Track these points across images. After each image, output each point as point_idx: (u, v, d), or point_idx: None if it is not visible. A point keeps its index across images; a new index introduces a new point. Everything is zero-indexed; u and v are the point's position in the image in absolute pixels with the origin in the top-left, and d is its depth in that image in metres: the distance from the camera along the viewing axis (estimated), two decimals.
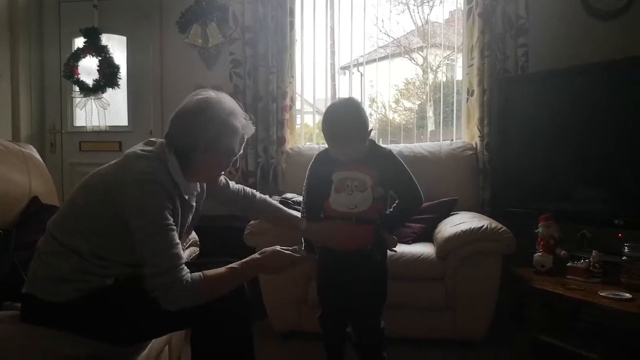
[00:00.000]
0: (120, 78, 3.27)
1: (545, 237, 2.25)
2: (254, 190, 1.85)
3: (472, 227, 2.14)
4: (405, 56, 4.05)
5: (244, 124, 1.48)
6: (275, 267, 1.48)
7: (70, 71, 3.25)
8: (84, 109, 3.37)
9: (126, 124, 3.42)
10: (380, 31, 3.85)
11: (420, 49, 4.07)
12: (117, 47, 3.34)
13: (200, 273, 1.31)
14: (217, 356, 1.42)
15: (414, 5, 3.85)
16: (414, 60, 4.19)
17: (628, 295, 1.86)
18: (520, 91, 2.61)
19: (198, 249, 2.08)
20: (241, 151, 1.52)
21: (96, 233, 1.33)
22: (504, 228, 2.13)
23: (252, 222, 2.29)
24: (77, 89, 3.32)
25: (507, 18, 2.75)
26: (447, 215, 2.50)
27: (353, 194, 1.70)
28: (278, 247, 1.49)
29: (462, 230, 2.14)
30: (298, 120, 3.27)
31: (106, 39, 3.27)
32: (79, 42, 3.29)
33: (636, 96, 2.15)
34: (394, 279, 1.84)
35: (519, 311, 2.21)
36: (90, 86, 3.25)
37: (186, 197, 1.44)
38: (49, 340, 1.27)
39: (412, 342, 2.20)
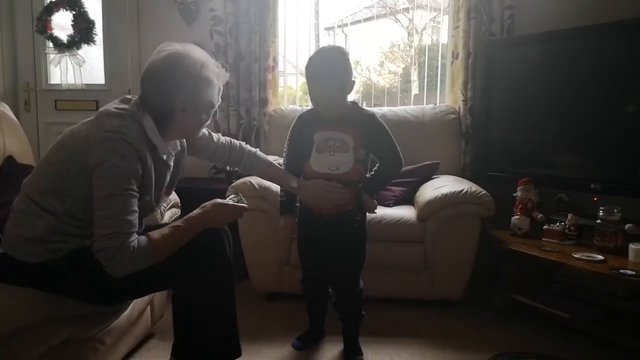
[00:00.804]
0: (95, 34, 3.14)
1: (524, 200, 2.29)
2: (242, 142, 1.80)
3: (453, 190, 2.16)
4: (391, 17, 3.97)
5: (217, 72, 1.43)
6: (219, 219, 1.47)
7: (43, 26, 3.11)
8: (58, 65, 3.25)
9: (103, 82, 3.32)
10: None
11: (406, 10, 3.99)
12: (92, 0, 3.20)
13: (145, 237, 1.30)
14: (199, 317, 1.43)
15: None
16: (399, 22, 4.12)
17: (600, 257, 1.92)
18: (505, 55, 2.59)
19: (179, 210, 2.06)
20: (219, 101, 1.48)
21: (70, 193, 1.30)
22: (484, 192, 2.16)
23: (234, 183, 2.28)
24: (50, 44, 3.18)
25: None
26: (429, 178, 2.52)
27: (335, 154, 1.69)
28: (218, 200, 1.50)
29: (442, 194, 2.17)
30: (281, 82, 3.21)
31: None
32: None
33: (619, 61, 2.15)
34: (375, 241, 1.87)
35: (496, 272, 2.27)
36: (65, 42, 3.12)
37: (164, 157, 1.41)
38: (29, 299, 1.27)
39: (391, 302, 2.26)
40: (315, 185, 1.68)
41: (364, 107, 1.79)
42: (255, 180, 2.25)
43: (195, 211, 1.45)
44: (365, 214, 1.79)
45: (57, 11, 3.12)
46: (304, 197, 1.73)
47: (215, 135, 1.72)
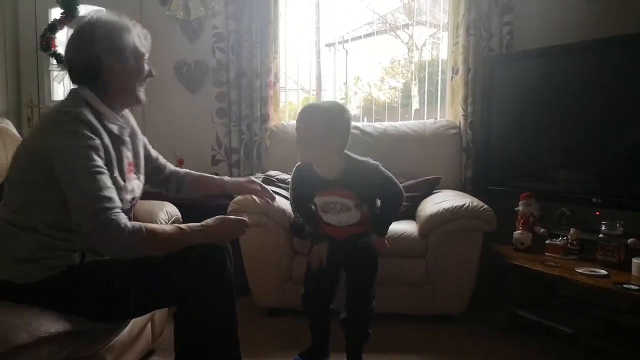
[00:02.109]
0: None
1: (525, 215, 2.29)
2: (177, 168, 1.83)
3: (454, 205, 2.16)
4: (391, 33, 4.02)
5: (132, 22, 1.43)
6: (223, 235, 1.44)
7: (47, 43, 3.14)
8: (62, 82, 3.27)
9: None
10: (366, 8, 3.81)
11: (406, 26, 4.03)
12: None
13: (140, 224, 1.27)
14: (200, 333, 1.42)
15: None
16: (400, 38, 4.16)
17: (604, 271, 1.91)
18: (504, 70, 2.61)
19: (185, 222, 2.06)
20: (147, 54, 1.46)
21: (44, 202, 1.27)
22: (486, 206, 2.15)
23: (235, 198, 2.28)
24: (54, 61, 3.22)
25: None
26: (430, 193, 2.52)
27: (340, 214, 1.74)
28: (229, 217, 1.50)
29: (444, 208, 2.17)
30: (282, 98, 3.23)
31: (84, 10, 3.16)
32: (56, 12, 3.18)
33: (618, 77, 2.17)
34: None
35: (498, 287, 2.26)
36: None
37: (114, 130, 1.38)
38: (26, 317, 1.25)
39: (393, 317, 2.24)
40: (225, 223, 1.49)
41: (356, 156, 1.74)
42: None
43: (202, 222, 1.43)
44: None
45: (61, 29, 3.15)
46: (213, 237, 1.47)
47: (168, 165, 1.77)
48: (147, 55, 1.46)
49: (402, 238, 2.19)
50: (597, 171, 2.25)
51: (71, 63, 1.38)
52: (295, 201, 1.90)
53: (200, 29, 3.13)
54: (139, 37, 1.43)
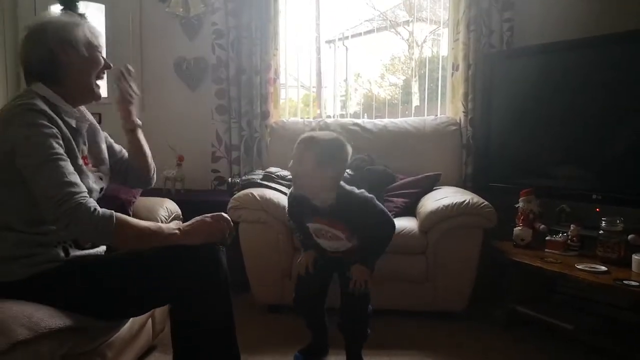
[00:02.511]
0: None
1: (525, 211, 2.29)
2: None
3: (455, 201, 2.16)
4: (391, 30, 4.01)
5: (79, 19, 1.43)
6: (199, 239, 1.38)
7: None
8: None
9: (105, 96, 3.33)
10: (367, 4, 3.80)
11: (407, 22, 4.02)
12: (95, 15, 3.23)
13: (111, 211, 1.26)
14: (197, 330, 1.41)
15: None
16: (400, 35, 4.15)
17: (603, 268, 1.91)
18: (505, 66, 2.61)
19: (181, 222, 2.06)
20: (101, 46, 1.45)
21: (14, 201, 1.27)
22: (486, 203, 2.15)
23: (236, 195, 2.28)
24: None
25: None
26: (430, 189, 2.52)
27: (331, 241, 1.75)
28: (207, 219, 1.41)
29: (444, 205, 2.17)
30: (282, 95, 3.23)
31: (84, 7, 3.15)
32: (56, 9, 3.17)
33: (618, 73, 2.17)
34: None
35: (498, 284, 2.26)
36: None
37: (72, 122, 1.37)
38: (29, 312, 1.25)
39: (393, 313, 2.24)
40: (200, 225, 1.43)
41: (349, 189, 1.71)
42: (257, 192, 2.26)
43: (186, 224, 1.41)
44: None
45: None
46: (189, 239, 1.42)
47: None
48: (101, 48, 1.45)
49: (402, 234, 2.19)
50: (598, 168, 2.25)
51: (26, 63, 1.38)
52: (290, 216, 1.96)
53: (199, 25, 3.13)
54: (89, 30, 1.43)
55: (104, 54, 1.48)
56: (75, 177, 1.25)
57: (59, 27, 1.37)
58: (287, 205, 1.93)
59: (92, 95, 1.45)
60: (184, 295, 1.37)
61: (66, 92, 1.38)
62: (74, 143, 1.34)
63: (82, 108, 1.50)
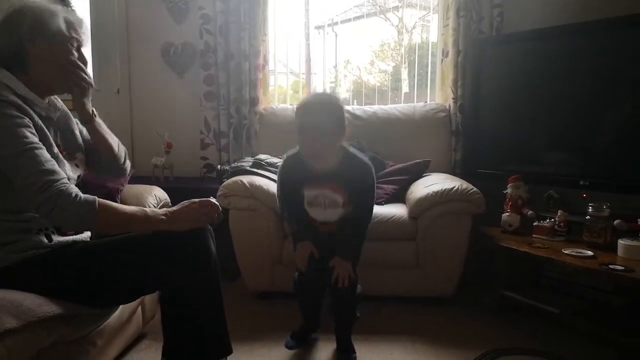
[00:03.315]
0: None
1: (514, 197, 2.31)
2: None
3: (444, 188, 2.17)
4: (381, 16, 3.98)
5: (60, 7, 1.40)
6: (186, 224, 1.37)
7: None
8: None
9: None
10: None
11: (396, 8, 4.00)
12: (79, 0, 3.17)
13: (94, 196, 1.26)
14: (187, 316, 1.41)
15: None
16: (389, 21, 4.13)
17: (590, 252, 1.94)
18: (494, 53, 2.61)
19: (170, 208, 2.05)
20: (83, 40, 1.43)
21: None
22: (475, 189, 2.17)
23: (225, 182, 2.27)
24: None
25: None
26: (420, 176, 2.53)
27: (326, 209, 1.74)
28: (193, 205, 1.40)
29: (433, 191, 2.18)
30: (272, 82, 3.20)
31: None
32: None
33: (607, 59, 2.18)
34: (367, 239, 1.86)
35: (488, 269, 2.29)
36: None
37: (42, 112, 1.36)
38: (17, 300, 1.23)
39: (384, 299, 2.26)
40: (186, 211, 1.42)
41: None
42: (246, 179, 2.25)
43: (168, 209, 1.40)
44: None
45: None
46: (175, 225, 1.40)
47: None
48: (78, 42, 1.41)
49: (392, 221, 2.20)
50: (585, 154, 2.27)
51: None
52: (282, 195, 1.86)
53: (187, 10, 3.07)
54: (66, 21, 1.39)
55: (84, 46, 1.44)
56: (53, 165, 1.25)
57: (33, 15, 1.33)
58: (278, 182, 1.84)
59: (60, 87, 1.43)
60: (174, 282, 1.38)
61: (33, 82, 1.35)
62: (47, 131, 1.33)
63: (53, 97, 1.47)
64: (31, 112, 1.29)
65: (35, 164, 1.21)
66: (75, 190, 1.24)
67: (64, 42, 1.38)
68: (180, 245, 1.36)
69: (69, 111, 1.54)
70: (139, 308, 1.82)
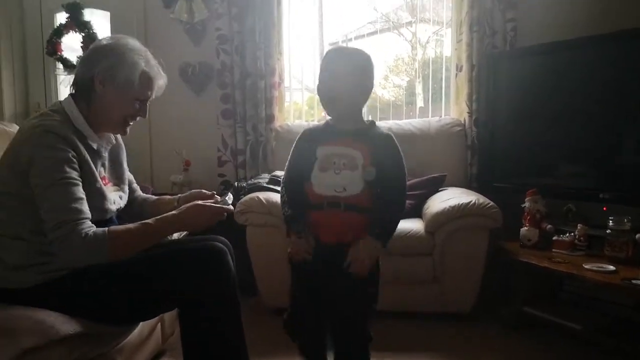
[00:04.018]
0: None
1: (532, 211, 2.28)
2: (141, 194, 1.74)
3: (460, 202, 2.16)
4: (394, 31, 4.01)
5: (147, 62, 1.43)
6: (195, 221, 1.40)
7: (53, 48, 3.17)
8: (68, 86, 3.30)
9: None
10: (369, 6, 3.80)
11: (409, 24, 4.02)
12: (100, 22, 3.27)
13: (104, 229, 1.27)
14: (205, 333, 1.42)
15: None
16: (403, 36, 4.15)
17: (612, 267, 1.90)
18: (508, 67, 2.61)
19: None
20: (151, 96, 1.46)
21: (27, 213, 1.28)
22: (492, 203, 2.15)
23: (242, 199, 2.30)
24: (60, 66, 3.25)
25: None
26: (436, 191, 2.52)
27: (341, 172, 1.41)
28: (199, 202, 1.43)
29: (450, 206, 2.17)
30: (287, 97, 3.24)
31: (89, 14, 3.19)
32: (61, 17, 3.21)
33: (622, 71, 2.16)
34: (383, 254, 1.84)
35: (506, 284, 2.26)
36: (74, 63, 3.19)
37: (94, 145, 1.39)
38: (38, 319, 1.25)
39: (401, 315, 2.25)
40: (194, 209, 1.42)
41: (372, 121, 1.56)
42: (263, 195, 2.27)
43: (172, 212, 1.41)
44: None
45: (66, 33, 3.19)
46: (185, 225, 1.45)
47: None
48: (145, 97, 1.45)
49: (408, 236, 2.19)
50: (604, 166, 2.25)
51: (75, 75, 1.44)
52: (289, 174, 1.54)
53: (204, 31, 3.15)
54: (142, 77, 1.41)
55: (150, 98, 1.47)
56: (79, 203, 1.26)
57: (112, 58, 1.38)
58: (289, 161, 1.56)
59: (116, 129, 1.48)
60: (193, 299, 1.39)
61: (93, 117, 1.40)
62: (92, 165, 1.36)
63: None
64: (79, 145, 1.32)
65: (61, 199, 1.23)
66: (87, 228, 1.24)
67: (130, 94, 1.41)
68: (199, 262, 1.37)
69: (122, 143, 1.60)
70: (159, 325, 1.84)
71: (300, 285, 1.53)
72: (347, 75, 1.44)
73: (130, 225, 1.34)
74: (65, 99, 1.42)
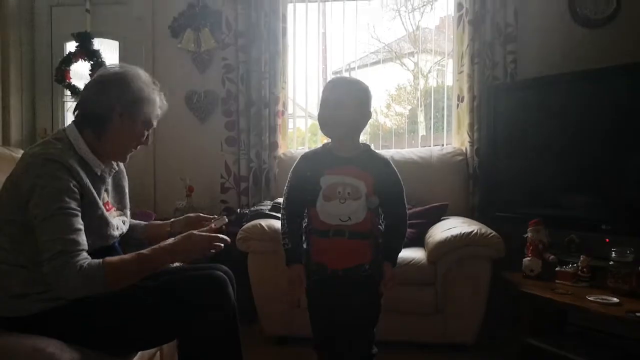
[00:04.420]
0: None
1: (534, 242, 2.28)
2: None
3: (462, 232, 2.16)
4: (397, 61, 4.09)
5: (160, 97, 1.47)
6: (190, 251, 1.38)
7: (61, 75, 3.23)
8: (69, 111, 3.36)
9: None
10: (372, 37, 3.88)
11: (412, 54, 4.10)
12: (109, 51, 3.33)
13: (99, 260, 1.25)
14: None
15: (405, 11, 3.89)
16: (405, 66, 4.23)
17: (615, 299, 1.88)
18: (509, 98, 2.64)
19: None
20: (155, 125, 1.49)
21: (29, 242, 1.27)
22: (494, 233, 2.15)
23: (244, 226, 2.30)
24: (68, 93, 3.30)
25: (496, 25, 2.79)
26: (438, 220, 2.52)
27: (346, 202, 1.49)
28: (194, 232, 1.40)
29: (452, 235, 2.17)
30: (290, 125, 3.28)
31: (98, 44, 3.26)
32: (71, 46, 3.28)
33: (622, 103, 2.19)
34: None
35: (509, 315, 2.23)
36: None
37: (97, 172, 1.39)
38: (40, 346, 1.24)
39: (402, 345, 2.21)
40: (188, 238, 1.41)
41: (373, 149, 1.67)
42: (265, 223, 2.28)
43: (167, 240, 1.40)
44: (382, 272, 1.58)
45: (75, 61, 3.25)
46: (179, 255, 1.43)
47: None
48: (152, 126, 1.49)
49: (410, 265, 2.18)
50: (606, 198, 2.25)
51: (82, 102, 1.42)
52: (289, 201, 1.61)
53: (210, 60, 3.21)
54: (158, 113, 1.47)
55: (152, 127, 1.50)
56: (76, 234, 1.24)
57: (136, 93, 1.40)
58: (291, 172, 1.65)
59: (121, 159, 1.49)
60: (193, 329, 1.38)
61: (99, 146, 1.40)
62: (94, 193, 1.34)
63: None
64: (81, 173, 1.31)
65: (58, 230, 1.22)
66: (82, 261, 1.23)
67: (144, 127, 1.45)
68: (200, 293, 1.37)
69: (124, 169, 1.60)
70: (157, 354, 1.82)
71: (321, 316, 1.63)
72: (347, 103, 1.53)
73: (126, 256, 1.33)
74: (68, 126, 1.40)
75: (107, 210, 1.43)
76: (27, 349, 1.19)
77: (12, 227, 1.30)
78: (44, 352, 1.20)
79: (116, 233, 1.45)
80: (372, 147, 1.72)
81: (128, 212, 1.59)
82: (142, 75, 1.45)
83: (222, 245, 1.40)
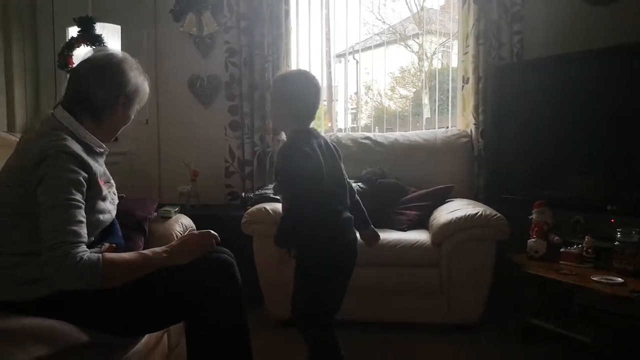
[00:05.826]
0: None
1: (539, 223, 2.27)
2: None
3: (467, 214, 2.16)
4: (401, 43, 4.03)
5: (147, 82, 1.51)
6: (190, 252, 1.41)
7: (64, 61, 3.22)
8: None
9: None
10: (377, 18, 3.84)
11: (416, 35, 4.04)
12: (111, 36, 3.32)
13: (99, 254, 1.26)
14: (212, 347, 1.42)
15: None
16: (410, 48, 4.18)
17: (620, 279, 1.89)
18: (515, 78, 2.61)
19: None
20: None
21: (37, 231, 1.26)
22: (498, 215, 2.15)
23: (249, 210, 2.31)
24: None
25: (502, 5, 2.74)
26: (443, 202, 2.52)
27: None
28: (195, 232, 1.45)
29: (457, 217, 2.17)
30: None
31: (100, 28, 3.24)
32: (73, 31, 3.27)
33: (629, 83, 2.16)
34: (390, 265, 1.85)
35: (514, 296, 2.24)
36: None
37: (99, 150, 1.42)
38: (48, 329, 1.26)
39: (407, 327, 2.24)
40: (184, 244, 1.45)
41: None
42: (270, 206, 2.29)
43: (172, 243, 1.44)
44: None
45: (78, 46, 3.24)
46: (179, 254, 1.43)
47: None
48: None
49: (415, 247, 2.19)
50: (611, 178, 2.24)
51: (80, 89, 1.40)
52: (319, 182, 1.57)
53: (213, 44, 3.19)
54: (146, 93, 1.51)
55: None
56: (78, 226, 1.24)
57: (138, 79, 1.43)
58: (304, 157, 1.55)
59: (110, 140, 1.51)
60: (199, 311, 1.39)
61: (96, 129, 1.41)
62: (99, 180, 1.36)
63: None
64: (89, 160, 1.32)
65: (61, 221, 1.22)
66: (81, 253, 1.22)
67: (134, 111, 1.50)
68: (205, 275, 1.39)
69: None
70: (165, 336, 1.84)
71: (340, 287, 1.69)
72: (271, 99, 1.72)
73: (125, 254, 1.34)
74: (60, 114, 1.37)
75: (102, 184, 1.43)
76: (39, 330, 1.21)
77: (24, 220, 1.30)
78: (56, 333, 1.22)
79: (112, 207, 1.46)
80: (290, 137, 1.67)
81: (113, 182, 1.58)
82: (130, 59, 1.46)
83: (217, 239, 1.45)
